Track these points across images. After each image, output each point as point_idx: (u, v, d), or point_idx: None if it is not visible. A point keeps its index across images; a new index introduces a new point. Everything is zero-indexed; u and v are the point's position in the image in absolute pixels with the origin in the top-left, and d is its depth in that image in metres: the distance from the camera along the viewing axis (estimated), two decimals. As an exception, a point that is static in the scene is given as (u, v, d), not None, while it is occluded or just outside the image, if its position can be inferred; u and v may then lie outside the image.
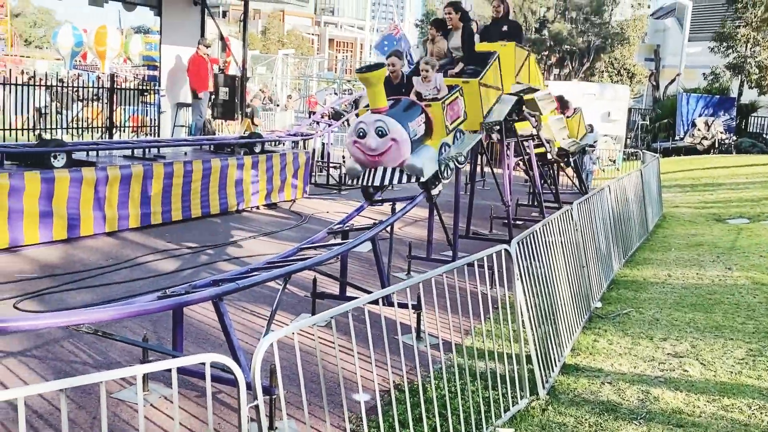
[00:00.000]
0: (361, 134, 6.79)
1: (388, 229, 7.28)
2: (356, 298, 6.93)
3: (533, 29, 53.89)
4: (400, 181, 7.06)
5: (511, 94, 9.45)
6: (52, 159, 8.91)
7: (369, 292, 6.80)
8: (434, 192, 7.69)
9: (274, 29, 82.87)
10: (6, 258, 8.08)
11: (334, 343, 3.82)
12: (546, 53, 50.41)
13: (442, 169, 7.55)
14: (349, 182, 15.92)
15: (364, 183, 7.19)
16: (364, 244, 6.85)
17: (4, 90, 12.05)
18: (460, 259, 8.43)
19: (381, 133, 6.70)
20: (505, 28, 9.67)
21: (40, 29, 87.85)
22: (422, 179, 7.12)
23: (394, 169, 7.01)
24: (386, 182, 7.07)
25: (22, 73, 13.48)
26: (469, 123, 8.44)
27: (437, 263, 8.69)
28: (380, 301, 4.11)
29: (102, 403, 2.47)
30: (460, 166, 8.08)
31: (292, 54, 51.80)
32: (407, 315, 5.96)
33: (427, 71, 7.59)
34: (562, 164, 14.32)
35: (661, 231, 12.92)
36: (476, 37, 9.23)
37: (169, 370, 2.65)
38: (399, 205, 8.28)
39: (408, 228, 11.57)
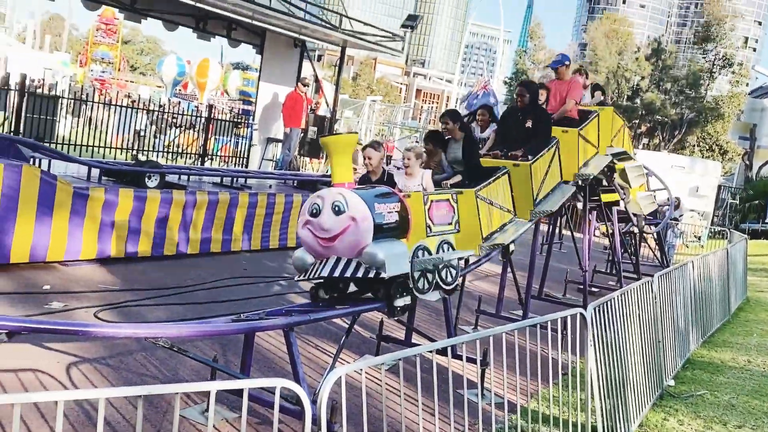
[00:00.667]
0: (314, 211, 5.13)
1: (459, 280, 7.26)
2: (421, 345, 6.95)
3: (625, 96, 53.26)
4: (354, 275, 5.09)
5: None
6: (146, 179, 9.36)
7: (434, 341, 6.80)
8: (398, 304, 5.48)
9: (365, 76, 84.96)
10: (91, 268, 8.46)
11: (396, 386, 3.83)
12: (636, 122, 49.65)
13: (420, 275, 5.62)
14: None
15: (311, 276, 5.26)
16: (434, 293, 6.85)
17: (107, 110, 12.77)
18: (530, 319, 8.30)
19: (338, 210, 5.05)
20: (529, 123, 7.77)
21: (146, 57, 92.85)
22: (383, 275, 5.07)
23: (350, 261, 5.14)
24: (337, 274, 5.10)
25: (126, 96, 14.28)
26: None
27: (506, 321, 8.59)
28: (448, 351, 4.09)
29: (175, 416, 2.55)
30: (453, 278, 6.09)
31: (380, 101, 52.91)
32: (472, 370, 5.89)
33: (409, 160, 6.28)
34: (645, 235, 13.99)
35: (743, 314, 12.37)
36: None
37: (237, 392, 2.73)
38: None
39: (479, 282, 11.49)
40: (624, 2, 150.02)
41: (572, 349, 5.13)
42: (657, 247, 15.31)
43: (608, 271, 13.73)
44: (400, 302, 5.48)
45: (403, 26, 14.79)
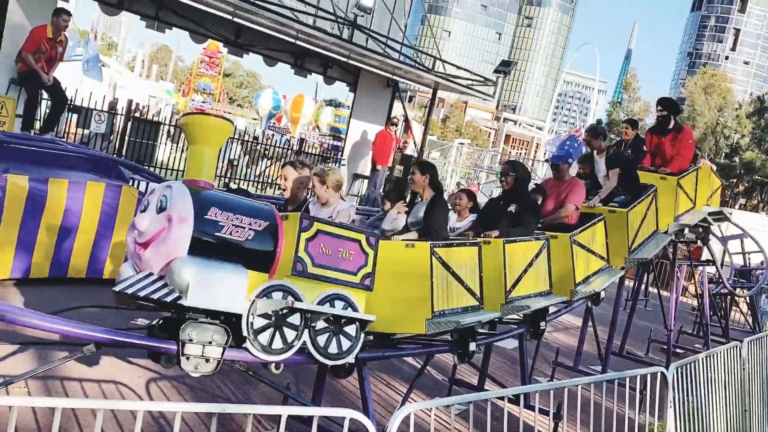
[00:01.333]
0: (143, 209, 4.06)
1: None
2: (491, 391, 6.83)
3: (723, 154, 51.41)
4: (154, 298, 3.74)
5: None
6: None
7: (504, 386, 6.67)
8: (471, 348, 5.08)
9: (454, 118, 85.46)
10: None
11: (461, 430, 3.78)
12: (734, 180, 47.78)
13: (266, 326, 3.98)
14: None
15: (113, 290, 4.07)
16: (510, 340, 6.74)
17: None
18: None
19: (160, 207, 3.93)
20: (512, 208, 6.28)
21: (245, 90, 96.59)
22: (183, 302, 3.69)
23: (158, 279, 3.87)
24: (130, 291, 3.86)
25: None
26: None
27: (584, 375, 8.34)
28: (521, 399, 4.01)
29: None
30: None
31: (468, 144, 53.02)
32: (544, 422, 5.73)
33: (315, 186, 5.13)
34: (736, 298, 13.35)
35: (843, 392, 11.53)
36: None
37: (306, 422, 2.76)
38: (552, 308, 8.08)
39: (557, 334, 11.21)
40: (727, 58, 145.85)
41: (651, 410, 4.94)
42: (749, 312, 14.55)
43: (695, 333, 13.13)
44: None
45: (496, 71, 14.86)
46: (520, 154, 74.27)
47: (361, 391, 4.55)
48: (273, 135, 25.23)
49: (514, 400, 5.36)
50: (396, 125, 14.83)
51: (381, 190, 15.22)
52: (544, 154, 52.28)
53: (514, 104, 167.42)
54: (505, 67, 14.73)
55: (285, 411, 2.63)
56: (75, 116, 11.30)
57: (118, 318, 7.05)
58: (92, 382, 5.32)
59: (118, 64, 49.44)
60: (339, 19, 12.64)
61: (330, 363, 4.25)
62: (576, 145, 21.45)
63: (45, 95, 9.63)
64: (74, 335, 3.60)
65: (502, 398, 3.91)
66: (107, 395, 5.15)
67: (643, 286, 13.61)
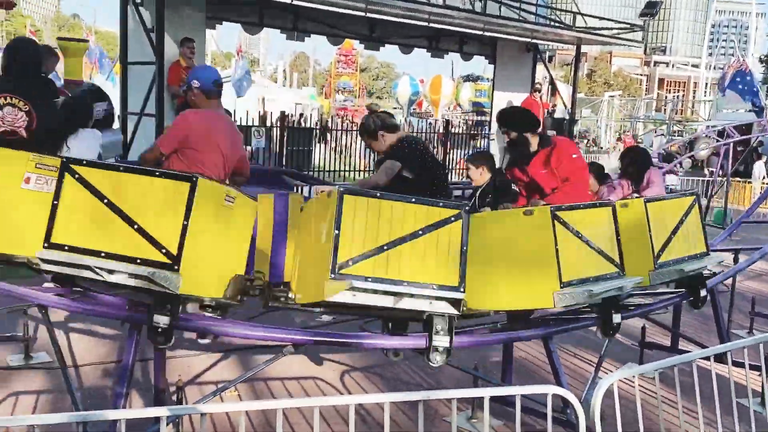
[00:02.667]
0: None
1: (728, 282, 6.66)
2: (688, 351, 6.47)
3: None
4: None
5: None
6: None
7: (702, 346, 6.30)
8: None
9: (600, 71, 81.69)
10: (354, 283, 9.08)
11: (664, 396, 3.62)
12: None
13: None
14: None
15: None
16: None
17: (350, 137, 13.65)
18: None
19: None
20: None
21: (381, 81, 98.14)
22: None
23: None
24: None
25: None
26: None
27: (788, 324, 7.73)
28: (728, 357, 3.78)
29: (453, 420, 2.66)
30: None
31: (618, 95, 50.50)
32: (752, 378, 5.35)
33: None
34: None
35: None
36: None
37: (498, 400, 2.78)
38: (742, 256, 7.54)
39: (750, 282, 10.42)
40: None
41: None
42: None
43: None
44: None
45: (641, 15, 14.01)
46: (677, 96, 69.65)
47: (552, 366, 4.50)
48: (409, 122, 25.37)
49: (717, 358, 5.06)
50: (540, 91, 14.43)
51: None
52: (705, 94, 48.76)
53: (663, 45, 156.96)
54: (651, 9, 13.85)
55: (487, 392, 2.65)
56: (237, 135, 12.01)
57: (303, 317, 7.45)
58: (293, 380, 5.66)
59: (263, 78, 52.00)
60: (469, -7, 12.50)
61: None
62: (748, 79, 19.81)
63: None
64: (279, 339, 3.85)
65: (706, 358, 3.71)
66: (309, 392, 5.45)
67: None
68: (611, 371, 6.24)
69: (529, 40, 14.02)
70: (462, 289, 3.62)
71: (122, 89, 9.97)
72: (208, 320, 4.02)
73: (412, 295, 3.57)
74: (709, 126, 26.00)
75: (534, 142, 6.00)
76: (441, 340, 3.67)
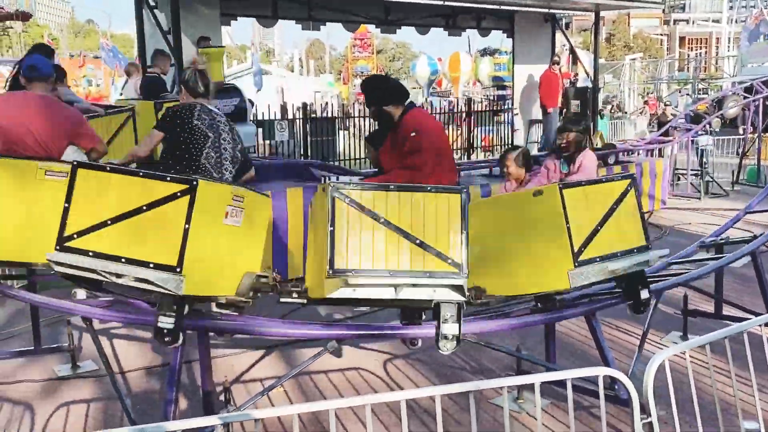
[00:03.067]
0: None
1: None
2: (733, 317, 6.37)
3: None
4: None
5: None
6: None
7: (748, 311, 6.19)
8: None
9: (619, 35, 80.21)
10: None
11: (718, 365, 3.55)
12: None
13: None
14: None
15: None
16: (740, 259, 6.23)
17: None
18: None
19: None
20: None
21: (398, 62, 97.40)
22: None
23: None
24: None
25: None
26: None
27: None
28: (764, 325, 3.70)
29: (505, 409, 2.65)
30: None
31: (640, 57, 49.55)
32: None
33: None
34: None
35: None
36: None
37: (555, 381, 2.75)
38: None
39: (791, 240, 10.20)
40: None
41: None
42: None
43: None
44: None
45: (659, -26, 13.71)
46: (699, 54, 68.23)
47: (597, 344, 4.46)
48: (430, 102, 25.19)
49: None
50: (559, 63, 14.20)
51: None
52: (728, 49, 47.70)
53: (682, 2, 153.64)
54: (668, -32, 13.51)
55: (538, 378, 2.63)
56: (260, 130, 12.06)
57: (341, 309, 7.47)
58: (336, 372, 5.68)
59: (280, 68, 51.95)
60: (484, -32, 12.32)
61: None
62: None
63: None
64: (320, 336, 3.85)
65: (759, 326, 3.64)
66: (353, 383, 5.47)
67: None
68: (654, 341, 6.18)
69: (546, 10, 13.81)
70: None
71: (144, 96, 10.02)
72: (245, 320, 4.04)
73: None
74: (735, 83, 25.45)
75: (397, 115, 5.29)
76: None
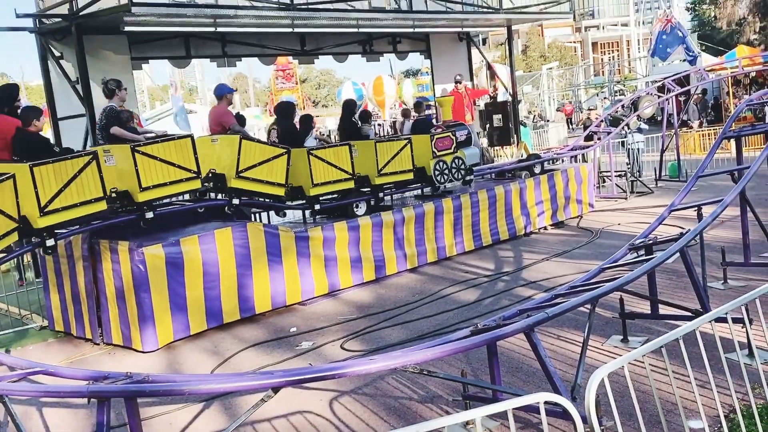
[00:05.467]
0: None
1: (697, 237, 6.66)
2: (669, 315, 6.46)
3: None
4: None
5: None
6: (354, 208, 9.74)
7: (683, 308, 6.29)
8: None
9: (534, 45, 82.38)
10: (327, 303, 8.95)
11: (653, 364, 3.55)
12: None
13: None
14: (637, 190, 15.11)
15: None
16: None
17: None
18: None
19: None
20: None
21: (324, 90, 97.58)
22: None
23: None
24: None
25: (317, 131, 15.06)
26: None
27: (759, 267, 7.78)
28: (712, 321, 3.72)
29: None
30: None
31: (556, 66, 50.98)
32: (728, 330, 5.36)
33: None
34: None
35: None
36: None
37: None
38: (705, 209, 7.56)
39: (716, 231, 10.52)
40: None
41: None
42: None
43: None
44: None
45: (564, -14, 14.12)
46: (612, 57, 70.69)
47: (539, 359, 4.41)
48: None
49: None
50: (461, 81, 14.39)
51: (481, 146, 14.89)
52: (638, 51, 49.51)
53: (590, 10, 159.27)
54: (573, -21, 13.92)
55: (478, 413, 2.54)
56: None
57: (283, 347, 7.27)
58: (281, 419, 5.47)
59: (203, 106, 51.27)
60: (393, -7, 12.42)
61: None
62: (680, 34, 20.04)
63: None
64: (254, 388, 3.68)
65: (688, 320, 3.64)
66: (298, 428, 5.27)
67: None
68: (596, 347, 6.21)
69: (459, 29, 14.03)
70: None
71: (56, 145, 9.64)
72: (175, 380, 3.84)
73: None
74: (648, 83, 26.38)
75: None
76: None
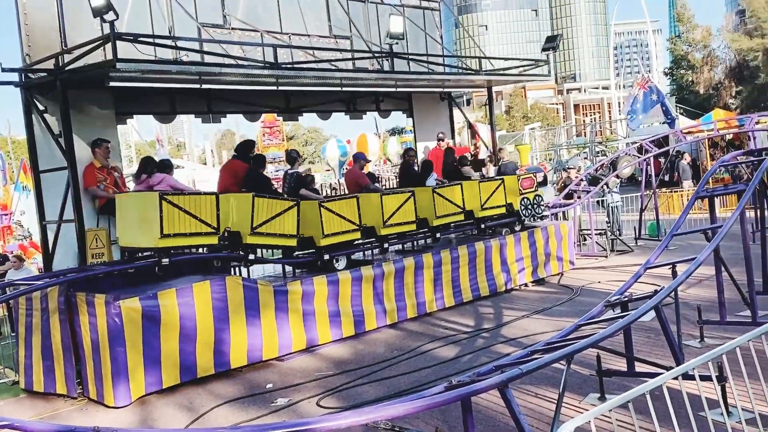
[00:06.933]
0: None
1: (672, 294, 6.73)
2: (646, 373, 6.46)
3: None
4: None
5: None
6: (334, 262, 9.75)
7: (659, 365, 6.30)
8: None
9: (517, 106, 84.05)
10: (305, 358, 8.87)
11: (628, 421, 3.55)
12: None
13: None
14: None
15: None
16: (647, 313, 6.39)
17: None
18: (762, 318, 7.49)
19: None
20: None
21: (311, 146, 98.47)
22: None
23: None
24: None
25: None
26: None
27: (734, 326, 7.83)
28: (679, 376, 3.75)
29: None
30: None
31: (539, 127, 51.93)
32: (708, 387, 5.36)
33: None
34: None
35: None
36: None
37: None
38: (680, 267, 7.65)
39: (692, 290, 10.62)
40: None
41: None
42: None
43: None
44: None
45: (544, 50, 14.44)
46: (593, 119, 72.12)
47: (512, 415, 4.39)
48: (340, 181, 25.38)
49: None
50: (443, 139, 14.63)
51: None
52: (619, 113, 50.58)
53: (572, 73, 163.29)
54: (551, 43, 14.31)
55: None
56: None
57: (258, 404, 7.17)
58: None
59: (191, 162, 51.50)
60: (375, 54, 12.68)
61: None
62: (657, 98, 20.57)
63: None
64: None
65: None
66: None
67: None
68: (573, 405, 6.19)
69: (441, 89, 14.29)
70: None
71: (37, 198, 9.62)
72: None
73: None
74: (628, 144, 26.90)
75: None
76: None
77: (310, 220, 9.53)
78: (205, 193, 8.69)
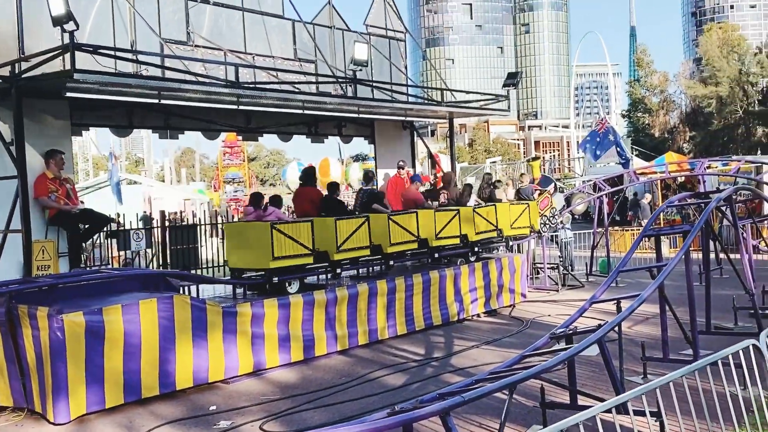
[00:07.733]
0: None
1: (617, 329, 6.85)
2: (589, 406, 6.53)
3: (756, 101, 50.05)
4: None
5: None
6: (287, 285, 9.69)
7: (602, 400, 6.38)
8: None
9: (480, 140, 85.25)
10: (252, 382, 8.75)
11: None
12: (775, 124, 46.35)
13: None
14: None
15: None
16: (592, 348, 6.49)
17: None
18: (702, 357, 7.66)
19: None
20: None
21: (273, 168, 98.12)
22: None
23: None
24: None
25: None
26: None
27: (677, 363, 7.98)
28: (614, 409, 3.81)
29: None
30: None
31: (499, 161, 52.69)
32: (645, 423, 5.46)
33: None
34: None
35: None
36: None
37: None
38: (624, 303, 7.81)
39: (638, 327, 10.81)
40: (732, 7, 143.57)
41: (753, 383, 4.66)
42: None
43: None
44: None
45: (505, 85, 14.76)
46: (553, 156, 73.57)
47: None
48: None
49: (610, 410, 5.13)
50: (403, 168, 14.77)
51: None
52: (578, 151, 51.64)
53: (534, 110, 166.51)
54: (512, 80, 14.64)
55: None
56: (114, 240, 11.58)
57: (200, 426, 7.04)
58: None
59: (148, 178, 50.89)
60: (339, 79, 12.77)
61: None
62: (612, 138, 21.13)
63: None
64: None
65: (608, 411, 3.72)
66: None
67: (712, 255, 13.09)
68: (516, 437, 6.22)
69: (403, 118, 14.45)
70: None
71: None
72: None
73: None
74: (584, 181, 27.47)
75: None
76: None
77: (378, 232, 10.99)
78: (303, 221, 10.07)
